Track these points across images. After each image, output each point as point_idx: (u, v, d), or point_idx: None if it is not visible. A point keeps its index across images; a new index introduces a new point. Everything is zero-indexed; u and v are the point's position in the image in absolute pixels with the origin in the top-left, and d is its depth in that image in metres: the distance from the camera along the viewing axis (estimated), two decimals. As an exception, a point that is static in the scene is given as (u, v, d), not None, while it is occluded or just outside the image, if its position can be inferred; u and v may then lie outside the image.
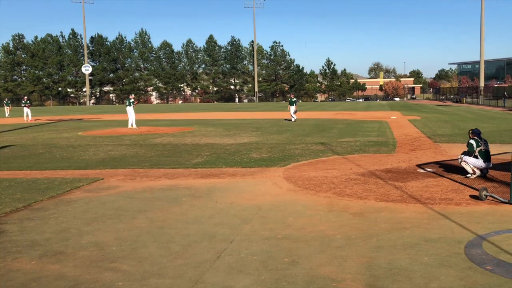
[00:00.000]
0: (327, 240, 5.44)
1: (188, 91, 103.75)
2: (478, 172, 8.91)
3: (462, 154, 9.17)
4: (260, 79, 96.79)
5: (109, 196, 7.86)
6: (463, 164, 8.99)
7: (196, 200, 7.49)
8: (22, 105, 32.90)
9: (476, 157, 8.90)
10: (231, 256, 4.95)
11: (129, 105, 22.58)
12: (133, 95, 25.40)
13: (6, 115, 37.88)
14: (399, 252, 5.01)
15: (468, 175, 8.93)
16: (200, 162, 11.34)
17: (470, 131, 9.36)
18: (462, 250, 5.02)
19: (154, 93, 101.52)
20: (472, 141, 9.01)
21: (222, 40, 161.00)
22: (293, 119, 26.42)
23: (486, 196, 7.12)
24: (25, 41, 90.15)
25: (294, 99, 27.32)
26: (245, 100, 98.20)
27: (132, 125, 22.52)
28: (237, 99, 79.12)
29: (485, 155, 8.91)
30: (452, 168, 9.94)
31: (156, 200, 7.53)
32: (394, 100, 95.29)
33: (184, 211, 6.82)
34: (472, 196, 7.39)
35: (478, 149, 8.90)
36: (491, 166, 9.10)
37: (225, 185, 8.67)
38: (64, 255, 5.05)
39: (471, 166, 8.90)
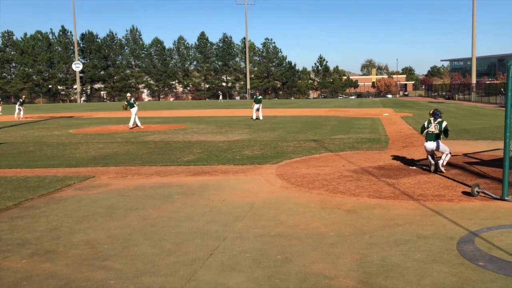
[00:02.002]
0: (320, 237, 5.46)
1: (179, 88, 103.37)
2: (432, 168, 9.19)
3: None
4: (252, 76, 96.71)
5: (101, 194, 7.81)
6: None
7: (188, 198, 7.46)
8: (18, 104, 32.68)
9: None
10: (223, 253, 4.94)
11: (133, 106, 20.94)
12: (128, 94, 24.74)
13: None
14: (392, 248, 5.03)
15: (425, 167, 9.45)
16: (192, 160, 11.31)
17: (431, 112, 9.47)
18: (455, 247, 5.05)
19: (145, 90, 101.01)
20: (425, 122, 9.27)
21: (214, 37, 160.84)
22: (254, 117, 25.56)
23: (478, 192, 7.18)
24: (14, 38, 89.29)
25: (260, 97, 26.38)
26: (237, 97, 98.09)
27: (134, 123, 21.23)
28: (220, 96, 78.43)
29: (431, 136, 9.02)
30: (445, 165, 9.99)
31: (148, 198, 7.49)
32: (387, 97, 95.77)
33: (176, 209, 6.80)
34: (464, 193, 7.44)
35: (425, 130, 9.19)
36: (436, 148, 9.04)
37: (217, 182, 8.66)
38: (55, 254, 5.02)
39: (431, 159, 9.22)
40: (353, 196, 7.39)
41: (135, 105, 21.00)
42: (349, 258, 4.76)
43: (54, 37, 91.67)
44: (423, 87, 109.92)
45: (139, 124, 21.24)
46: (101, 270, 4.54)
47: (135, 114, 21.00)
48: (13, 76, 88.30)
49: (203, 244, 5.24)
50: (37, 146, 14.74)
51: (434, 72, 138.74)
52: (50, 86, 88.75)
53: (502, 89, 49.63)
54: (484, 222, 5.92)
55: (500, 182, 7.23)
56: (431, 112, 9.41)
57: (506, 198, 6.87)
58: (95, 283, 4.25)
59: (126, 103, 21.27)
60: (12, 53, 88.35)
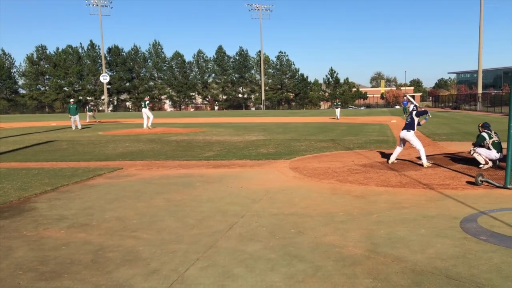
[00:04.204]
0: (331, 216, 5.56)
1: (199, 99, 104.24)
2: (490, 163, 8.83)
3: (473, 146, 9.18)
4: (267, 88, 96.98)
5: (129, 182, 8.04)
6: (475, 155, 8.88)
7: (209, 185, 7.64)
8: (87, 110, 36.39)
9: (489, 148, 8.88)
10: (242, 227, 5.09)
11: (145, 107, 22.62)
12: (148, 97, 25.41)
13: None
14: (398, 225, 5.11)
15: (481, 166, 8.86)
16: (212, 155, 11.51)
17: (480, 125, 9.35)
18: (458, 224, 5.10)
19: (167, 101, 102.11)
20: (484, 134, 9.00)
21: (231, 51, 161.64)
22: None
23: (482, 181, 7.19)
24: (47, 52, 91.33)
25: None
26: (253, 108, 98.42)
27: (147, 125, 22.49)
28: (216, 107, 78.33)
29: (498, 147, 8.89)
30: (450, 160, 10.00)
31: (172, 185, 7.69)
32: (395, 107, 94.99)
33: (198, 193, 6.98)
34: (469, 182, 7.46)
35: (491, 140, 8.91)
36: (502, 157, 8.94)
37: (235, 173, 8.82)
38: (90, 226, 5.23)
39: (483, 157, 8.82)
40: (362, 185, 7.46)
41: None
42: (357, 233, 4.85)
43: (83, 51, 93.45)
44: (430, 98, 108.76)
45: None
46: (131, 239, 4.73)
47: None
48: (47, 87, 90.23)
49: (223, 220, 5.40)
50: (70, 145, 15.14)
51: (441, 84, 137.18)
52: (80, 97, 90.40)
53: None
54: (487, 205, 5.94)
55: (503, 173, 7.22)
56: (481, 125, 9.32)
57: (508, 186, 6.88)
58: (126, 248, 4.44)
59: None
60: (46, 66, 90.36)
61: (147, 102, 22.87)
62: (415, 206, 5.98)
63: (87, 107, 40.54)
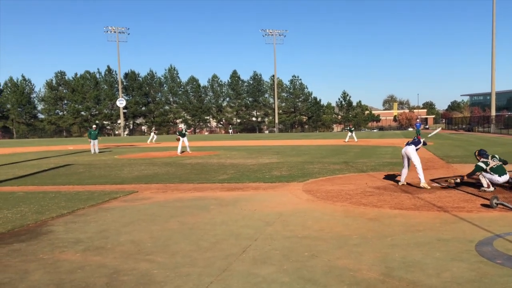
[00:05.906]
0: (344, 239, 5.51)
1: (213, 123, 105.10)
2: (492, 188, 8.69)
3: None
4: (280, 111, 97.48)
5: (144, 205, 8.11)
6: (480, 176, 8.79)
7: (223, 208, 7.65)
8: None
9: (490, 174, 8.78)
10: (255, 250, 5.07)
11: (184, 135, 23.16)
12: (182, 126, 26.05)
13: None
14: (413, 249, 5.03)
15: (483, 188, 8.74)
16: (226, 178, 11.55)
17: (476, 153, 9.29)
18: (473, 248, 5.00)
19: (182, 125, 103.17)
20: (480, 164, 8.90)
21: (245, 75, 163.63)
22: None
23: (497, 204, 7.06)
24: (66, 77, 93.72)
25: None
26: (266, 131, 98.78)
27: (187, 149, 23.11)
28: (230, 131, 79.28)
29: (499, 170, 8.74)
30: (464, 183, 9.84)
31: (186, 208, 7.72)
32: (408, 130, 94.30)
33: (212, 216, 6.99)
34: (483, 205, 7.33)
35: (489, 167, 8.79)
36: (509, 179, 8.81)
37: (249, 196, 8.82)
38: (105, 250, 5.27)
39: (487, 181, 8.72)
40: (376, 208, 7.39)
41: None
42: (372, 256, 4.79)
43: (100, 76, 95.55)
44: (444, 121, 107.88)
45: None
46: (145, 262, 4.74)
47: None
48: (65, 112, 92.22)
49: (236, 243, 5.38)
50: (86, 168, 15.37)
51: (454, 106, 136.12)
52: (97, 121, 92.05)
53: None
54: (502, 228, 5.82)
55: (519, 195, 7.08)
56: (477, 152, 9.30)
57: (524, 209, 6.73)
58: (140, 272, 4.45)
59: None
60: (64, 91, 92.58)
61: (186, 133, 23.51)
62: (429, 229, 5.89)
63: (153, 128, 44.05)
